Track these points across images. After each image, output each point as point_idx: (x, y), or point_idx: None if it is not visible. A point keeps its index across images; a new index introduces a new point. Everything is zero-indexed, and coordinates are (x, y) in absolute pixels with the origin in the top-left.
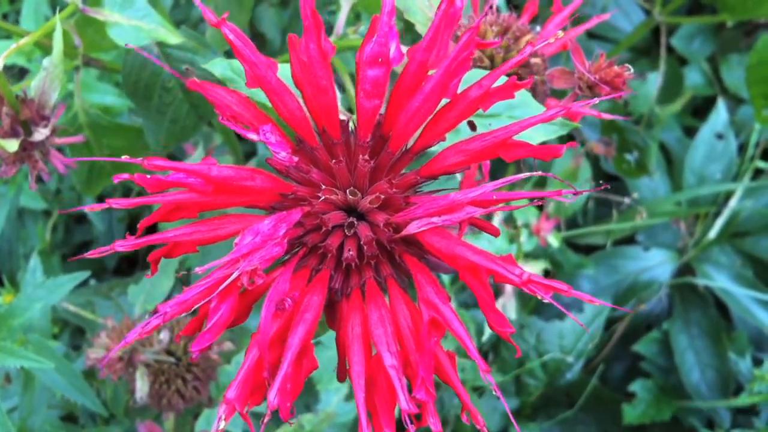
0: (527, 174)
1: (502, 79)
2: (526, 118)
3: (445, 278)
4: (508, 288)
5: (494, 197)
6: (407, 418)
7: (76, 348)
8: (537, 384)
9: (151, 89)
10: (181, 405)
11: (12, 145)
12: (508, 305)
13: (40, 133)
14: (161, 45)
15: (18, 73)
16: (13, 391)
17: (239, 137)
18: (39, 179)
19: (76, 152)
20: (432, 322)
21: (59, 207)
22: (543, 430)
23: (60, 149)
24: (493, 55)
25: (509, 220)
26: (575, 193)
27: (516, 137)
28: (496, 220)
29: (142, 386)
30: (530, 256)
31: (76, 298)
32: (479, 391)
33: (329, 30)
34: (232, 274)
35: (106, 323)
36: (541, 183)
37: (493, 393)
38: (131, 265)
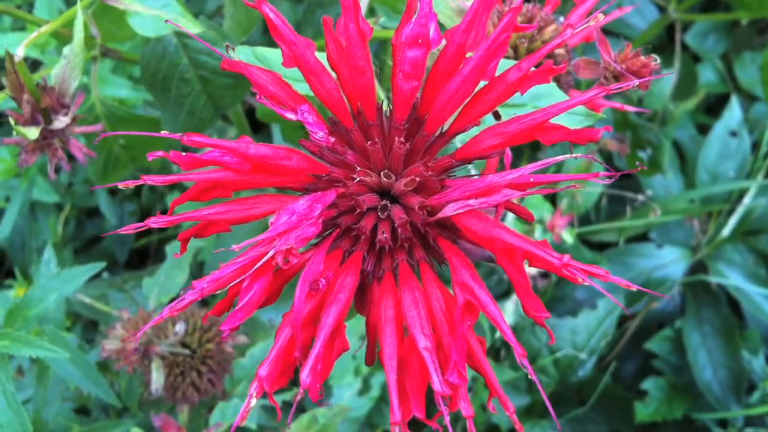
0: (567, 156)
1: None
2: (563, 101)
3: None
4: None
5: (531, 179)
6: (440, 400)
7: (89, 341)
8: (549, 381)
9: (169, 80)
10: (196, 397)
11: (33, 133)
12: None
13: (61, 121)
14: (180, 36)
15: (31, 65)
16: (27, 384)
17: (254, 130)
18: (57, 168)
19: (93, 145)
20: (467, 305)
21: (71, 201)
22: (554, 427)
23: (77, 138)
24: (517, 45)
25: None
26: (610, 175)
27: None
28: (509, 218)
29: (157, 378)
30: None
31: (90, 291)
32: None
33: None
34: (268, 252)
35: (122, 315)
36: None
37: (505, 389)
38: (142, 259)
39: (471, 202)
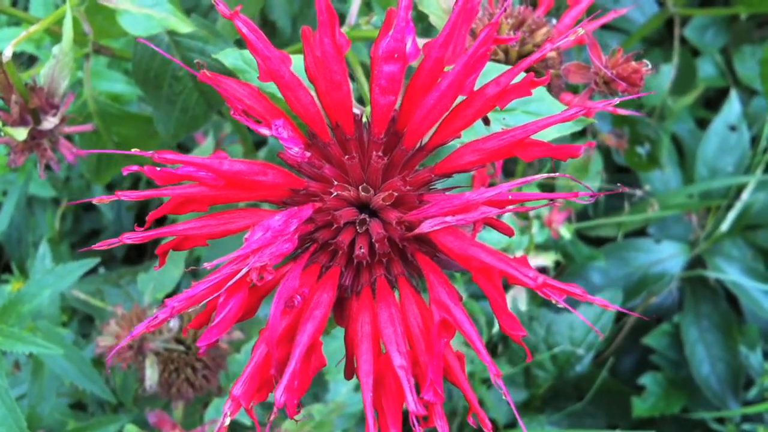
0: (544, 175)
1: (520, 76)
2: (544, 118)
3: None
4: None
5: (509, 197)
6: (415, 420)
7: (85, 336)
8: (546, 376)
9: (161, 78)
10: (191, 394)
11: (21, 134)
12: (518, 298)
13: (49, 122)
14: (172, 34)
15: (27, 60)
16: (22, 379)
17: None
18: (48, 168)
19: (86, 140)
20: (443, 323)
21: (68, 195)
22: (551, 422)
23: (69, 137)
24: (508, 48)
25: (521, 212)
26: (592, 195)
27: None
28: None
29: (151, 375)
30: (542, 247)
31: (85, 286)
32: (487, 383)
33: (341, 19)
34: (241, 269)
35: (116, 311)
36: (551, 177)
37: (504, 382)
38: (140, 254)
39: (448, 219)
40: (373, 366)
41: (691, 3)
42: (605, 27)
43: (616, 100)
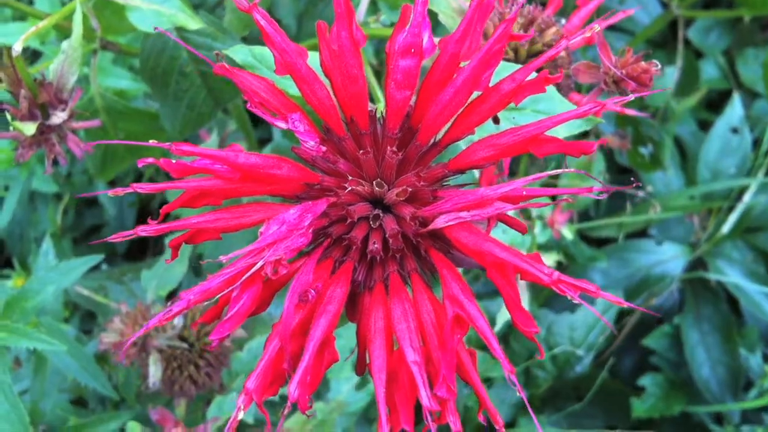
0: (557, 171)
1: (533, 75)
2: (559, 114)
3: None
4: (521, 281)
5: (524, 193)
6: (428, 415)
7: (87, 332)
8: (546, 376)
9: (168, 75)
10: (193, 391)
11: (29, 129)
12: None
13: (58, 117)
14: (180, 30)
15: (31, 55)
16: (24, 375)
17: (254, 123)
18: (55, 162)
19: (92, 136)
20: (456, 318)
21: (71, 191)
22: (550, 422)
23: (75, 133)
24: (518, 47)
25: (523, 212)
26: (604, 191)
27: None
28: (512, 212)
29: (155, 372)
30: (544, 247)
31: (88, 283)
32: (489, 381)
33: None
34: (256, 263)
35: (120, 308)
36: (554, 176)
37: (503, 384)
38: (142, 250)
39: (463, 214)
40: (387, 362)
41: (695, 5)
42: (609, 28)
43: (630, 97)
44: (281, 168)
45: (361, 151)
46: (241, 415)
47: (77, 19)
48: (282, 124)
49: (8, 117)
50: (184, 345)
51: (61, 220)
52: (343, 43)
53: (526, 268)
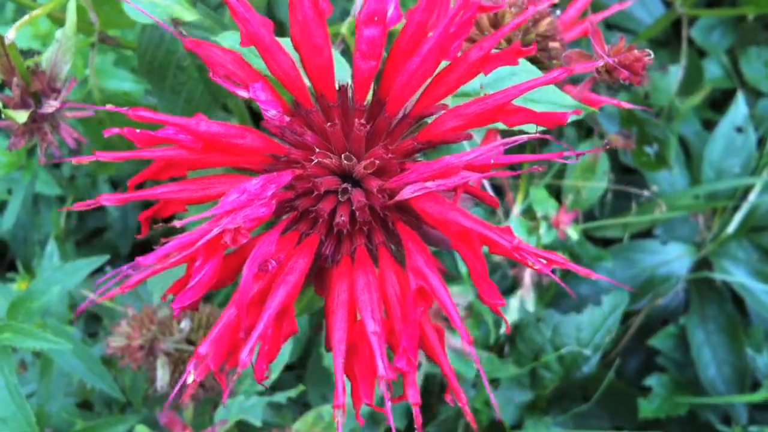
0: (525, 137)
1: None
2: (525, 81)
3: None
4: (527, 280)
5: (492, 161)
6: (384, 386)
7: (92, 335)
8: (552, 377)
9: (165, 68)
10: (201, 394)
11: (21, 117)
12: (526, 298)
13: (51, 106)
14: (176, 23)
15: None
16: (29, 378)
17: (255, 123)
18: (50, 156)
19: (90, 129)
20: (419, 290)
21: (74, 193)
22: (557, 423)
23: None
24: (511, 38)
25: (528, 212)
26: (577, 154)
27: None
28: (515, 212)
29: (163, 375)
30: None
31: (92, 284)
32: (495, 382)
33: (346, 14)
34: (212, 229)
35: (126, 311)
36: (560, 174)
37: (510, 384)
38: (145, 252)
39: (428, 184)
40: (347, 333)
41: (698, 3)
42: (612, 27)
43: (599, 62)
44: (244, 137)
45: (328, 124)
46: (189, 379)
47: (71, 6)
48: (243, 93)
49: (0, 105)
50: (192, 348)
51: (65, 223)
52: (307, 13)
53: (489, 234)
